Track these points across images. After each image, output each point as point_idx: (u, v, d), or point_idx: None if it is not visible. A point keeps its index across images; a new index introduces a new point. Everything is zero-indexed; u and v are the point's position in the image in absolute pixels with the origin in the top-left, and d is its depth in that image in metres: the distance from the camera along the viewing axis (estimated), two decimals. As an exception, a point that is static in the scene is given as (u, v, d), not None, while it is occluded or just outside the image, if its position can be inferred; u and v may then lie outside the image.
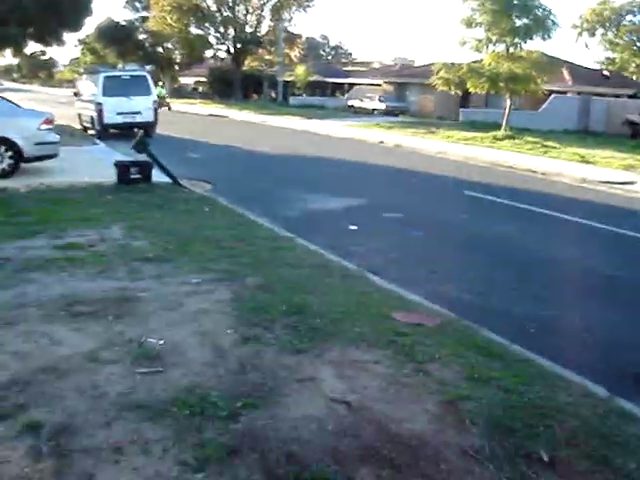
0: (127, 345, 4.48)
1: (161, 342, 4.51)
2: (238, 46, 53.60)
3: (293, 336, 4.76)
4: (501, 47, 24.67)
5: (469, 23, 24.11)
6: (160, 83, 47.57)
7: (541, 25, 23.81)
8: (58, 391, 3.82)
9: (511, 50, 24.31)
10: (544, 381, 4.27)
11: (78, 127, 24.20)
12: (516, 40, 24.00)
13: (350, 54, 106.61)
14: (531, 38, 23.78)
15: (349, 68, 65.08)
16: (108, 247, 7.13)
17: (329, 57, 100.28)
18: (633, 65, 26.28)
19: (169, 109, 39.69)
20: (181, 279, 6.04)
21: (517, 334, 5.25)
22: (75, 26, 21.91)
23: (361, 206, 11.14)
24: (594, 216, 10.79)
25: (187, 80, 71.04)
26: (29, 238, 7.45)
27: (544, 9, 23.85)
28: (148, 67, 27.44)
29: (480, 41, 24.29)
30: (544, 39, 24.11)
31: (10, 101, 13.19)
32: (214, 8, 53.02)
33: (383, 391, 4.02)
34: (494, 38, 23.96)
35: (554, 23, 24.03)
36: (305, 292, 5.78)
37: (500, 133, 24.28)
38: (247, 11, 53.41)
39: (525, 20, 23.70)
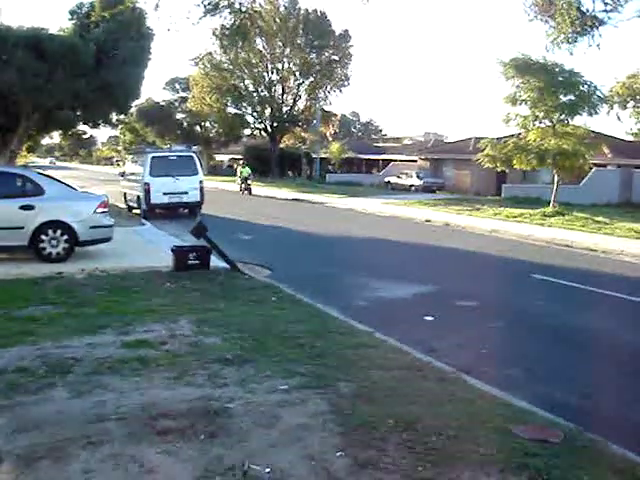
0: (229, 474, 3.92)
1: (267, 470, 3.95)
2: (275, 124, 54.46)
3: (412, 459, 4.20)
4: (546, 123, 24.42)
5: (514, 101, 23.94)
6: (241, 162, 42.40)
7: (587, 101, 23.56)
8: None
9: (557, 126, 24.01)
10: None
11: (123, 206, 24.29)
12: (562, 117, 23.76)
13: (381, 130, 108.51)
14: (579, 114, 23.49)
15: (381, 144, 65.81)
16: (180, 345, 6.66)
17: (360, 133, 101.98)
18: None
19: (242, 192, 35.39)
20: (267, 385, 5.52)
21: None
22: (124, 109, 22.28)
23: (430, 293, 10.60)
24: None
25: (222, 157, 72.20)
26: (95, 333, 7.07)
27: (589, 85, 23.63)
28: (195, 147, 27.65)
29: (526, 118, 24.08)
30: (590, 115, 23.85)
31: (66, 184, 13.10)
32: (251, 88, 54.21)
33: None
34: (540, 115, 23.73)
35: (600, 99, 23.80)
36: (408, 402, 5.23)
37: (549, 210, 23.73)
38: (283, 91, 54.49)
39: (571, 96, 23.46)
